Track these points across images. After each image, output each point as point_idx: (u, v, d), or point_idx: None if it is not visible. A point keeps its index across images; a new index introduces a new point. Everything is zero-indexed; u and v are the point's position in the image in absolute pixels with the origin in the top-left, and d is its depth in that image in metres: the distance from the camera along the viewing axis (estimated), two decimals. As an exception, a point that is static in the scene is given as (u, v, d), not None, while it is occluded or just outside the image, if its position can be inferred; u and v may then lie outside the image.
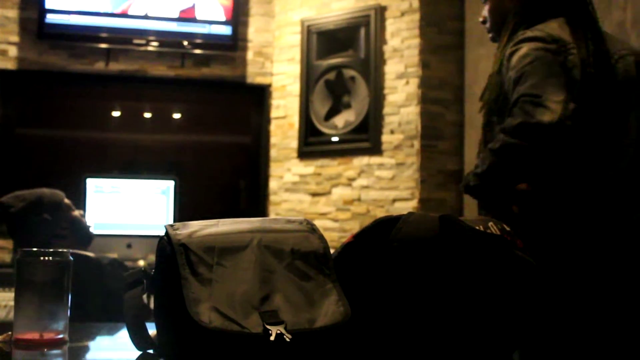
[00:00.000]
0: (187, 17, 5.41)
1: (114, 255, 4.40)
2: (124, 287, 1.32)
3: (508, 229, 1.39)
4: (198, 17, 5.43)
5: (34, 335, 1.36)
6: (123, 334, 1.31)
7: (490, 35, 2.32)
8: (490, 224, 1.41)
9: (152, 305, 1.31)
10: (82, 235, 2.97)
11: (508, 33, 2.16)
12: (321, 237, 1.30)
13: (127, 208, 4.82)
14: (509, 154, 1.89)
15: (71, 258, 1.43)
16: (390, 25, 5.06)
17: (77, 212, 2.97)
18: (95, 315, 1.78)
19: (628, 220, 1.97)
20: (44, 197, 2.86)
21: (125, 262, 4.48)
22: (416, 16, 4.97)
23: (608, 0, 3.25)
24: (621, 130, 1.99)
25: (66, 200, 2.93)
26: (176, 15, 5.40)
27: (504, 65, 2.06)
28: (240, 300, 1.16)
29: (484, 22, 2.33)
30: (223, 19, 5.47)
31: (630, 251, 1.96)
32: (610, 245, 1.94)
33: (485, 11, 2.32)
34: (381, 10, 5.09)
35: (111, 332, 1.79)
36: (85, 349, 1.53)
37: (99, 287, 2.61)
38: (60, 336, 1.38)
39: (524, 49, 1.98)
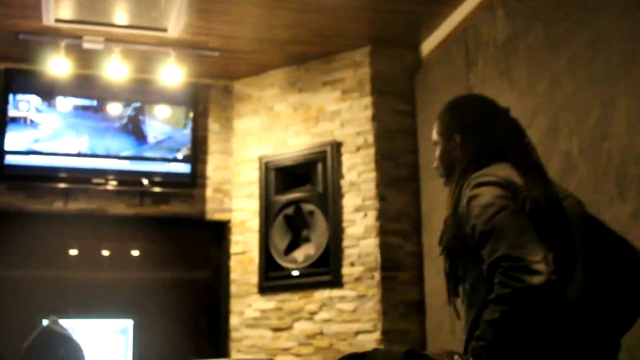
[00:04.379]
0: (145, 156, 5.48)
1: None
2: None
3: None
4: (157, 156, 5.50)
5: None
6: None
7: (443, 180, 2.41)
8: (455, 357, 1.42)
9: None
10: None
11: (456, 178, 2.24)
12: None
13: (85, 349, 4.69)
14: (511, 322, 1.93)
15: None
16: (347, 160, 5.18)
17: None
18: None
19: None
20: None
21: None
22: (371, 151, 5.09)
23: (554, 130, 3.38)
24: (572, 259, 2.08)
25: None
26: (135, 154, 5.47)
27: (461, 207, 2.12)
28: None
29: (437, 167, 2.43)
30: (181, 157, 5.55)
31: None
32: None
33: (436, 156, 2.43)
34: (337, 146, 5.21)
35: None
36: None
37: None
38: None
39: (485, 196, 2.05)
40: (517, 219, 2.00)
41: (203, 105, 5.82)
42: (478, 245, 2.03)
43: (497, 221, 1.99)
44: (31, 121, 5.29)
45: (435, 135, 2.41)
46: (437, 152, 2.39)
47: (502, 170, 2.14)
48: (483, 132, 2.29)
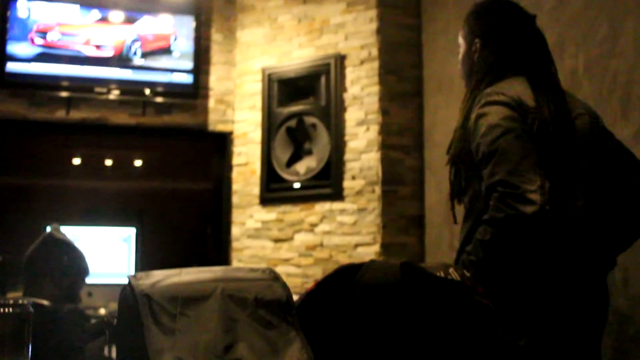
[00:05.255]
0: (148, 65, 5.44)
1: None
2: (83, 337, 1.31)
3: (468, 274, 1.42)
4: (160, 66, 5.45)
5: (-6, 389, 1.34)
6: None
7: (464, 82, 2.41)
8: (451, 270, 1.44)
9: (114, 356, 1.30)
10: None
11: (470, 88, 2.26)
12: (284, 285, 1.31)
13: (88, 256, 4.77)
14: (500, 245, 1.98)
15: (31, 309, 1.41)
16: (350, 73, 5.14)
17: None
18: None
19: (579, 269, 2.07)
20: None
21: (87, 310, 4.45)
22: (375, 64, 5.05)
23: (560, 47, 3.34)
24: (575, 181, 2.09)
25: None
26: (138, 64, 5.42)
27: (470, 121, 2.13)
28: (204, 350, 1.17)
29: (460, 69, 2.44)
30: (185, 67, 5.50)
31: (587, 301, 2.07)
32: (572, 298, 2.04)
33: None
34: (341, 59, 5.16)
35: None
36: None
37: (56, 337, 2.57)
38: (21, 389, 1.36)
39: (492, 115, 2.05)
40: (521, 143, 2.00)
41: (206, 15, 5.74)
42: (480, 164, 2.05)
43: (501, 144, 1.99)
44: (34, 28, 5.22)
45: (460, 38, 2.40)
46: (460, 56, 2.40)
47: (515, 87, 2.13)
48: (504, 40, 2.27)
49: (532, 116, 2.06)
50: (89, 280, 4.57)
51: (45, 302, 2.69)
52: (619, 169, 2.21)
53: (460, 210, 2.27)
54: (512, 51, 2.24)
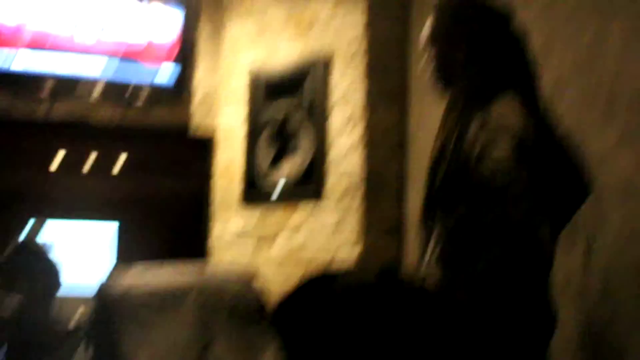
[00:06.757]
0: (132, 62, 5.39)
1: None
2: (51, 343, 1.28)
3: (447, 281, 1.41)
4: (143, 63, 5.41)
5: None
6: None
7: (440, 86, 2.26)
8: (427, 277, 1.43)
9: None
10: None
11: (457, 113, 2.09)
12: (260, 289, 1.29)
13: (63, 267, 4.76)
14: None
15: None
16: (337, 72, 5.10)
17: None
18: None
19: None
20: None
21: (61, 312, 4.40)
22: (362, 63, 5.01)
23: (546, 50, 3.33)
24: None
25: None
26: (122, 58, 5.38)
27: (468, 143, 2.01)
28: (181, 352, 1.15)
29: (432, 71, 2.28)
30: (169, 65, 5.46)
31: None
32: None
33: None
34: (328, 57, 5.12)
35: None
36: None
37: (20, 345, 2.54)
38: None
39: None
40: None
41: (192, 10, 5.68)
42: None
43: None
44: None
45: (429, 35, 2.28)
46: (433, 55, 2.25)
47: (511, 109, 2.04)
48: (490, 49, 2.13)
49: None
50: (67, 280, 4.53)
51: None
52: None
53: None
54: (500, 63, 2.12)
